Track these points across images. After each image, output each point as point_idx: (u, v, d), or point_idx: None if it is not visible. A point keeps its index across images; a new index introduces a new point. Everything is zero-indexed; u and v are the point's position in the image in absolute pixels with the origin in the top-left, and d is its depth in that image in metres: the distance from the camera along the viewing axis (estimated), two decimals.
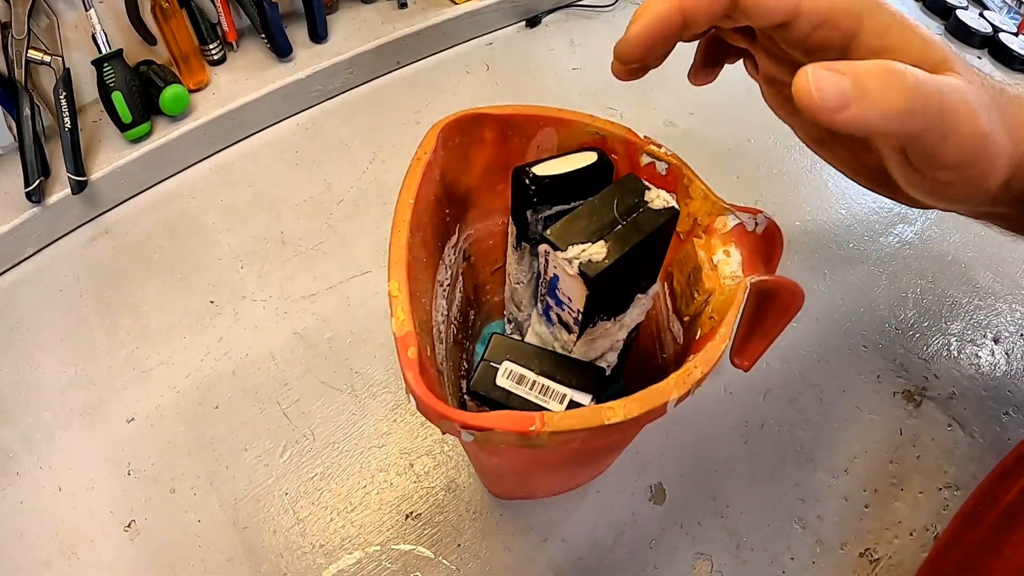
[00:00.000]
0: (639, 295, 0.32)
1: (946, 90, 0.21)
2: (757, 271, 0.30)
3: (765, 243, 0.32)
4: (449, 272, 0.36)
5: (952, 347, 0.49)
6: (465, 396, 0.32)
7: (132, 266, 0.53)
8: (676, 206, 0.29)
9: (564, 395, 0.29)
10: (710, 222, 0.33)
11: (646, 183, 0.29)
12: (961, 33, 0.74)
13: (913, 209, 0.58)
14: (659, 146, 0.34)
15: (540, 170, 0.31)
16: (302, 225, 0.56)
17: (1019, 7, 0.81)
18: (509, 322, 0.41)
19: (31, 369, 0.47)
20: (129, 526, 0.40)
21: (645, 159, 0.34)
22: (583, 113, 0.34)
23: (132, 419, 0.44)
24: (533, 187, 0.31)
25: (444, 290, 0.35)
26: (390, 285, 0.26)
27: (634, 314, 0.32)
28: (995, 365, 0.49)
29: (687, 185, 0.34)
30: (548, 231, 0.27)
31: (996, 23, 0.75)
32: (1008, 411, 0.46)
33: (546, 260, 0.28)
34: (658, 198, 0.28)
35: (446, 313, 0.35)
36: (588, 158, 0.32)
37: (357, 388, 0.45)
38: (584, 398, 0.29)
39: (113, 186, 0.57)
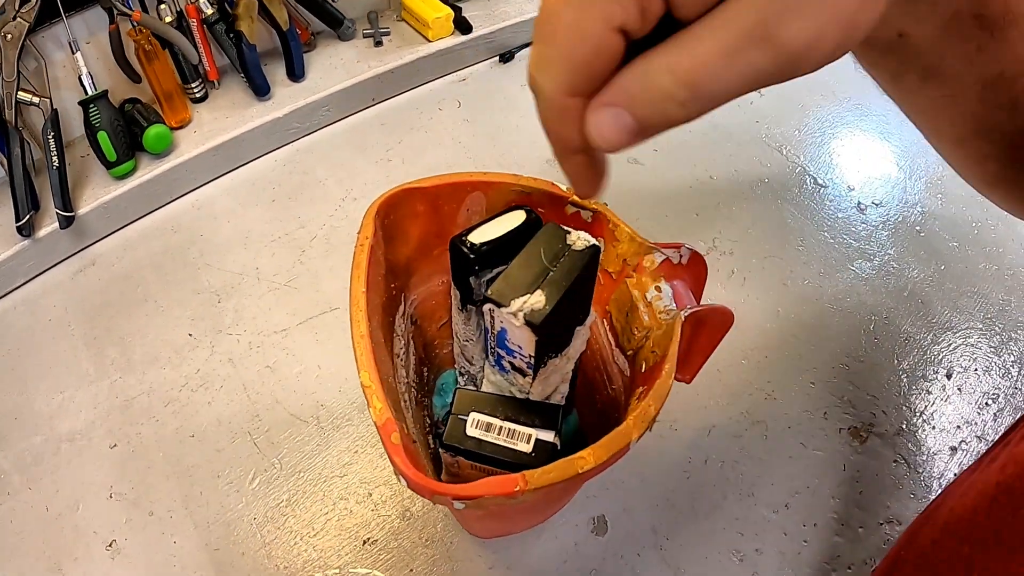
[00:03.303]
0: (578, 328, 0.36)
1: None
2: (688, 300, 0.35)
3: (691, 271, 0.37)
4: (403, 341, 0.40)
5: (903, 383, 0.54)
6: (440, 450, 0.34)
7: (117, 297, 0.60)
8: (596, 242, 0.32)
9: (530, 435, 0.33)
10: (639, 261, 0.37)
11: (565, 228, 0.33)
12: None
13: (871, 245, 0.63)
14: None
15: (476, 237, 0.35)
16: (276, 261, 0.62)
17: None
18: (462, 375, 0.45)
19: (23, 395, 0.54)
20: (111, 545, 0.46)
21: (571, 209, 0.39)
22: (507, 173, 0.39)
23: (115, 445, 0.51)
24: (472, 255, 0.35)
25: (401, 360, 0.39)
26: (361, 376, 0.29)
27: (577, 345, 0.37)
28: (946, 399, 0.53)
29: (612, 229, 0.38)
30: (489, 291, 0.31)
31: None
32: (955, 446, 0.50)
33: (492, 317, 0.32)
34: (579, 239, 0.32)
35: (406, 380, 0.39)
36: (518, 218, 0.36)
37: (322, 420, 0.51)
38: (548, 435, 0.33)
39: (99, 220, 0.63)
